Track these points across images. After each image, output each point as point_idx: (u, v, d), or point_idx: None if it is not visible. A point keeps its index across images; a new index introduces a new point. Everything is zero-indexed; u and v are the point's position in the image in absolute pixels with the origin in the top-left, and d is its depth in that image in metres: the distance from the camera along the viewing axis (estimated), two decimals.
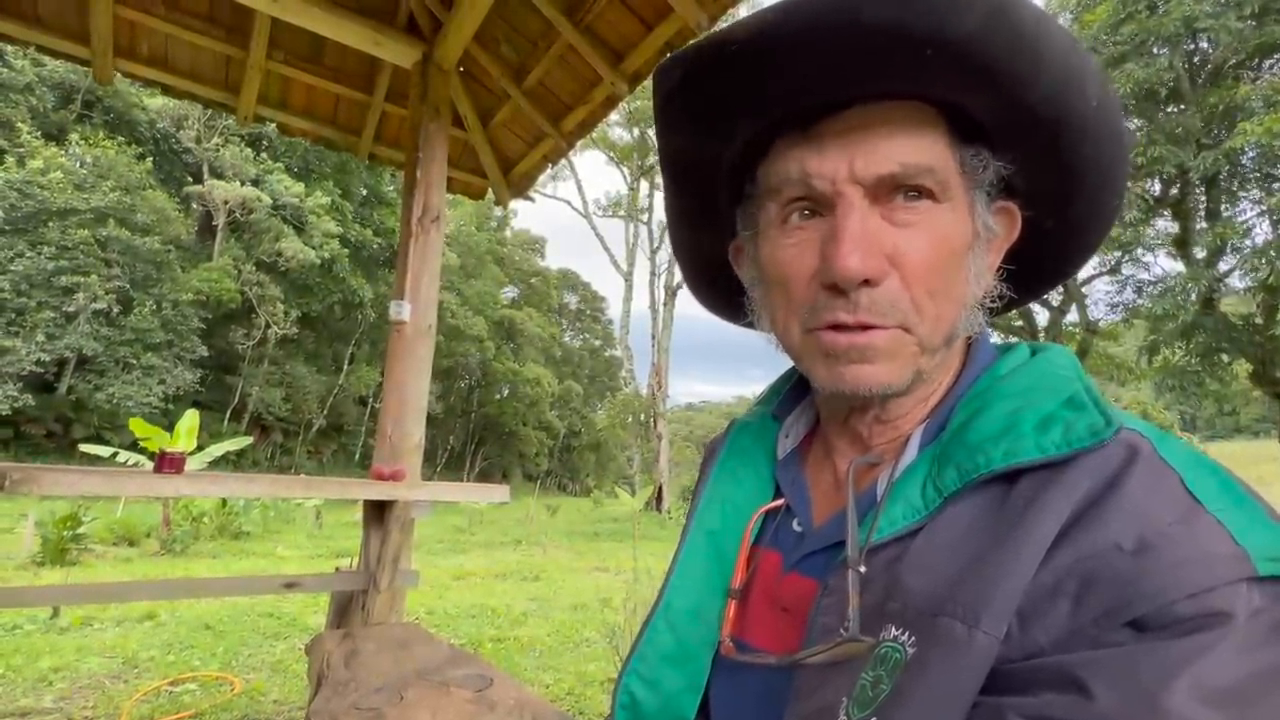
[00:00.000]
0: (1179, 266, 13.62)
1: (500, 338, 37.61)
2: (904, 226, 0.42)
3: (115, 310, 19.55)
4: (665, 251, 28.06)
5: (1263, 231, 12.58)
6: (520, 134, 3.45)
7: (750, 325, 0.57)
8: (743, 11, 3.36)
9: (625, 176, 29.10)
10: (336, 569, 2.49)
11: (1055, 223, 0.49)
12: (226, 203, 23.79)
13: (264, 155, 26.13)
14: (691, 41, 0.45)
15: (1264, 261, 11.43)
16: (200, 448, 9.05)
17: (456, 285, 33.62)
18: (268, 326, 24.88)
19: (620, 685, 0.53)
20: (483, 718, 1.34)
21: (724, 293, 0.60)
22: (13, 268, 17.89)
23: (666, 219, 0.60)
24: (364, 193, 29.54)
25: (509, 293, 44.50)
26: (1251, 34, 11.39)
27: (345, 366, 29.38)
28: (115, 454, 8.43)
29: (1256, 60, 12.48)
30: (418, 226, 2.78)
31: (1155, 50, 12.32)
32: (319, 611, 5.21)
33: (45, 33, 2.78)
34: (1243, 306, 13.33)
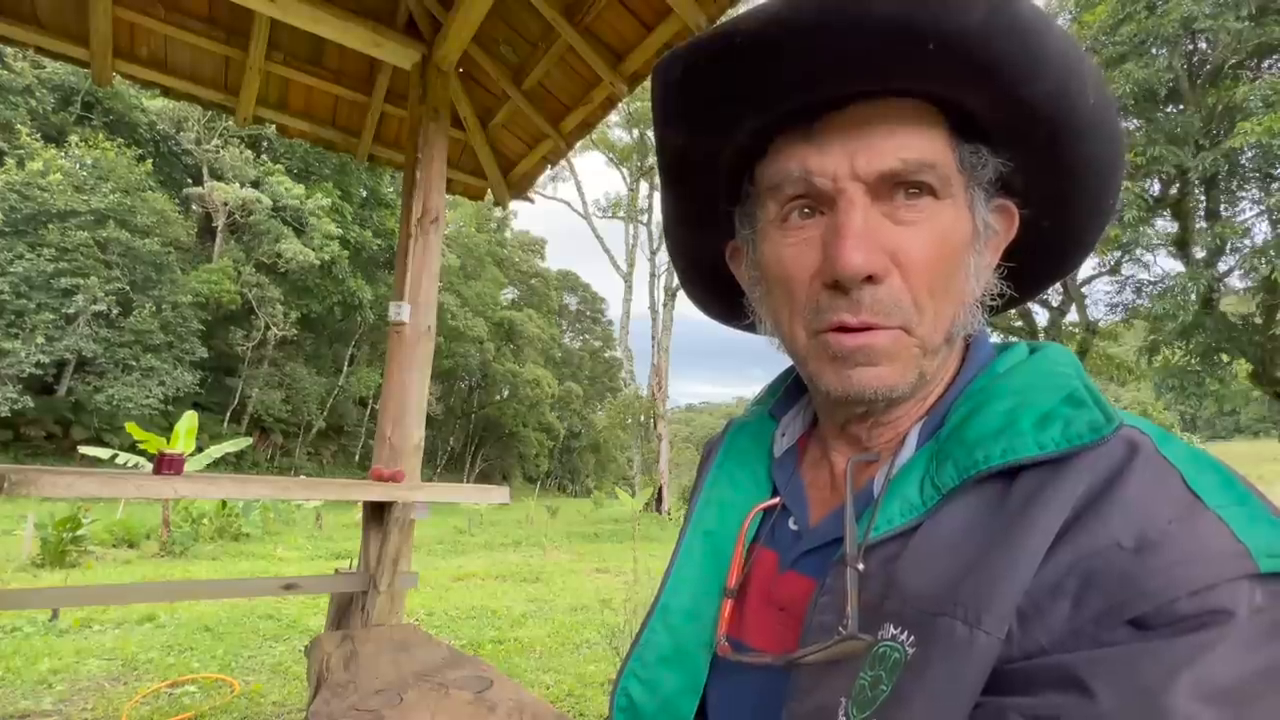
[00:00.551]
0: (1179, 266, 13.63)
1: (500, 339, 37.61)
2: (905, 224, 0.42)
3: (115, 312, 19.55)
4: (665, 253, 27.98)
5: (1262, 231, 12.62)
6: (520, 135, 3.45)
7: (748, 328, 0.57)
8: (743, 11, 3.37)
9: (625, 177, 29.13)
10: (336, 570, 2.49)
11: (1053, 221, 0.49)
12: (226, 204, 23.80)
13: (264, 157, 26.15)
14: (692, 36, 0.45)
15: (1263, 261, 11.44)
16: (200, 449, 9.05)
17: (456, 286, 33.62)
18: (267, 328, 24.87)
19: (618, 687, 0.53)
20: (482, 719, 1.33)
21: (720, 294, 0.60)
22: (12, 270, 17.89)
23: (663, 219, 0.60)
24: (363, 194, 29.55)
25: (509, 294, 44.50)
26: (1250, 34, 11.42)
27: (345, 368, 29.38)
28: (115, 456, 8.42)
29: (1255, 60, 12.51)
30: (417, 228, 2.78)
31: (1154, 50, 12.34)
32: (319, 613, 5.21)
33: (44, 34, 2.78)
34: (1242, 306, 13.34)
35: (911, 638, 0.36)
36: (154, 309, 20.77)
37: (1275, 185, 12.12)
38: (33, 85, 20.62)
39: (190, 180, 24.97)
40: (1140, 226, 12.77)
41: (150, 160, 22.85)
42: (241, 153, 24.89)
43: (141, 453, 8.04)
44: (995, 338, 0.53)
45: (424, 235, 2.78)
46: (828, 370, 0.44)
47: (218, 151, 24.84)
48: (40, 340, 18.04)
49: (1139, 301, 14.19)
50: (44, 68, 20.71)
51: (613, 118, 25.61)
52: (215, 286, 22.52)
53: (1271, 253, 11.33)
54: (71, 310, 18.67)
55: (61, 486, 1.61)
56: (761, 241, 0.48)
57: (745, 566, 0.52)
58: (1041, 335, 16.11)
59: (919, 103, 0.42)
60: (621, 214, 30.43)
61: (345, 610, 2.41)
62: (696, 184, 0.53)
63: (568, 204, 31.65)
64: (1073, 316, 16.46)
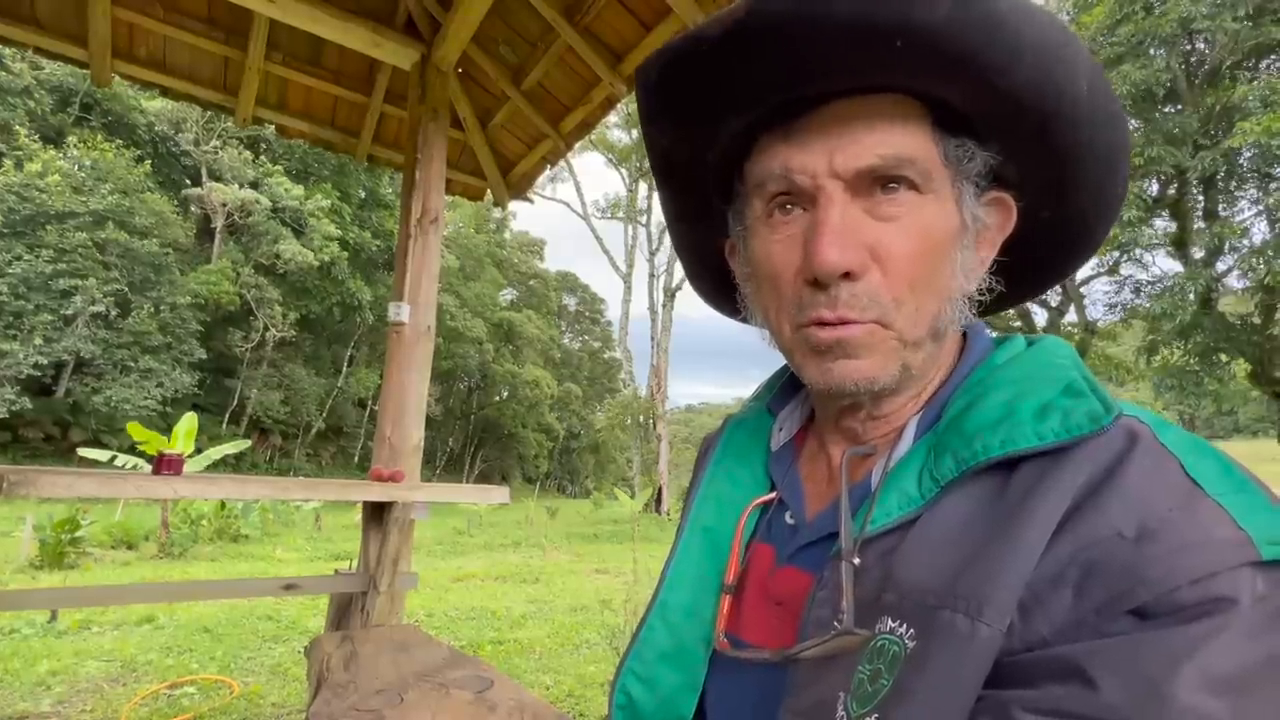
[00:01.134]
0: (1177, 266, 13.65)
1: (499, 340, 37.59)
2: (885, 220, 0.42)
3: (113, 313, 19.52)
4: (664, 253, 28.09)
5: (1260, 231, 12.64)
6: (519, 135, 3.44)
7: (749, 321, 0.57)
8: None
9: (624, 178, 29.13)
10: (336, 571, 2.48)
11: (1056, 213, 0.48)
12: (225, 205, 23.77)
13: (263, 158, 26.13)
14: (666, 41, 0.46)
15: (1262, 261, 11.46)
16: (199, 450, 9.04)
17: (455, 287, 33.60)
18: (266, 329, 24.85)
19: (617, 685, 0.53)
20: None
21: (724, 288, 0.60)
22: (11, 271, 17.87)
23: (664, 216, 0.60)
24: (362, 195, 29.52)
25: (508, 295, 44.48)
26: (1248, 34, 11.44)
27: (344, 369, 29.35)
28: (113, 457, 8.41)
29: (1253, 60, 12.53)
30: (416, 228, 2.77)
31: (1152, 51, 12.35)
32: (318, 614, 5.20)
33: (43, 35, 2.77)
34: (1241, 306, 13.36)
35: (911, 631, 0.35)
36: (152, 310, 20.74)
37: (1273, 185, 12.13)
38: (31, 86, 20.58)
39: (189, 181, 24.94)
40: (1139, 226, 12.79)
41: (149, 161, 22.82)
42: (240, 153, 24.86)
43: (141, 454, 8.03)
44: (991, 334, 0.53)
45: (423, 236, 2.78)
46: (810, 363, 0.45)
47: (216, 152, 24.82)
48: (38, 341, 18.01)
49: (1137, 301, 14.20)
50: (42, 68, 20.68)
51: (612, 118, 25.64)
52: (214, 288, 22.50)
53: (1270, 253, 11.35)
54: (70, 311, 18.64)
55: (61, 487, 1.61)
56: (750, 239, 0.48)
57: (743, 562, 0.52)
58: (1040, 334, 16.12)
59: (900, 97, 0.42)
60: (620, 215, 30.44)
61: (345, 611, 2.41)
62: (687, 182, 0.54)
63: (567, 205, 31.65)
64: (1071, 316, 16.49)
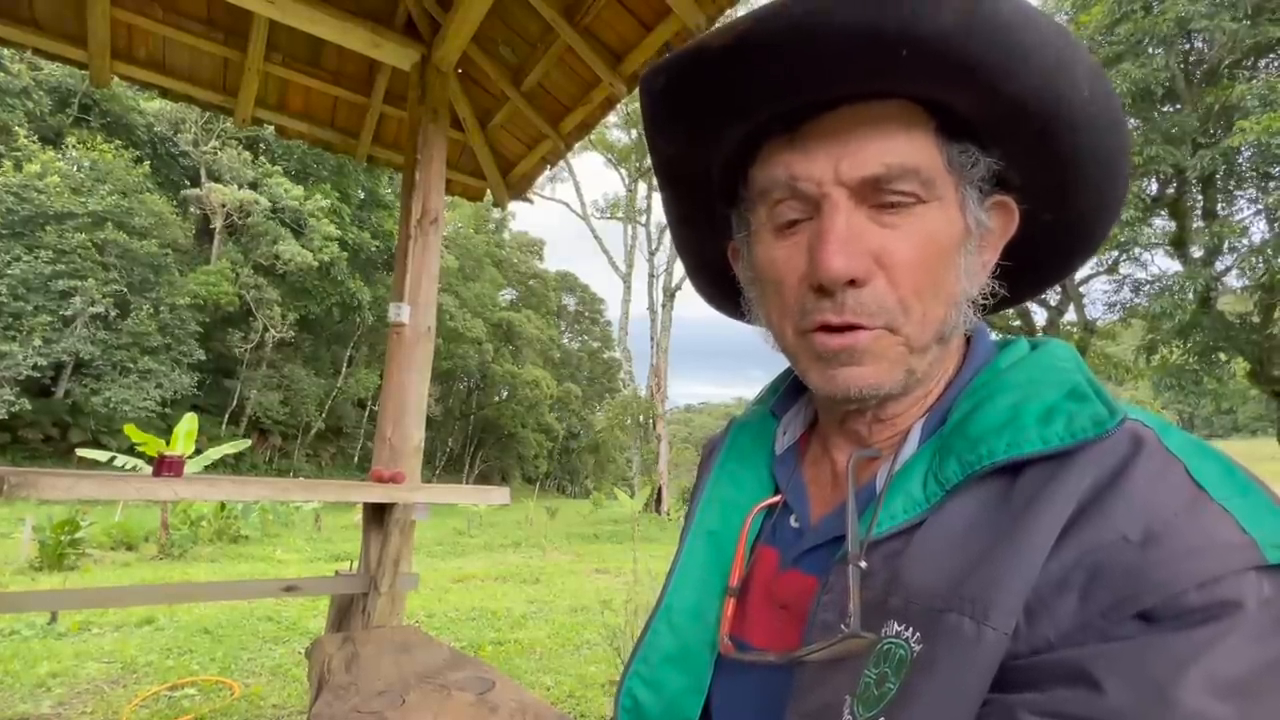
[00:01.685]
0: (1176, 266, 13.65)
1: (499, 340, 37.58)
2: (890, 227, 0.42)
3: (112, 314, 19.51)
4: (664, 253, 28.10)
5: (1259, 230, 12.64)
6: (519, 135, 3.44)
7: (752, 322, 0.57)
8: (740, 12, 3.37)
9: (623, 178, 29.15)
10: (336, 572, 2.48)
11: (1057, 216, 0.49)
12: (224, 206, 23.76)
13: (262, 158, 26.12)
14: (672, 50, 0.46)
15: (1261, 260, 11.47)
16: (199, 451, 9.02)
17: (455, 288, 33.60)
18: (266, 330, 24.84)
19: (622, 688, 0.53)
20: None
21: (728, 291, 0.60)
22: (9, 272, 17.85)
23: (666, 219, 0.60)
24: (362, 195, 29.51)
25: (507, 295, 44.47)
26: (1246, 33, 11.44)
27: (344, 369, 29.34)
28: (113, 458, 8.40)
29: (1252, 59, 12.53)
30: (416, 229, 2.77)
31: (1151, 50, 12.34)
32: (319, 615, 5.20)
33: (42, 36, 2.77)
34: (1240, 305, 13.35)
35: (917, 635, 0.35)
36: (152, 311, 20.73)
37: (1273, 184, 12.14)
38: (30, 87, 20.58)
39: (188, 182, 24.93)
40: (1138, 225, 12.80)
41: (148, 162, 22.82)
42: (239, 154, 24.86)
43: (140, 455, 8.02)
44: (993, 336, 0.53)
45: (423, 236, 2.78)
46: (814, 369, 0.45)
47: (215, 153, 24.81)
48: (38, 342, 18.00)
49: (1137, 301, 14.20)
50: (41, 69, 20.67)
51: (611, 118, 25.64)
52: (213, 288, 22.48)
53: (1269, 251, 11.35)
54: (69, 312, 18.63)
55: (61, 489, 1.60)
56: (755, 244, 0.49)
57: (747, 565, 0.52)
58: (1040, 334, 16.13)
59: (905, 103, 0.43)
60: (620, 214, 30.44)
61: (346, 612, 2.40)
62: (692, 189, 0.54)
63: (566, 205, 31.66)
64: (1071, 315, 16.49)
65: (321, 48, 3.21)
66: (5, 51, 17.08)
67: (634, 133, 27.36)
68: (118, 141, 22.24)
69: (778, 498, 0.53)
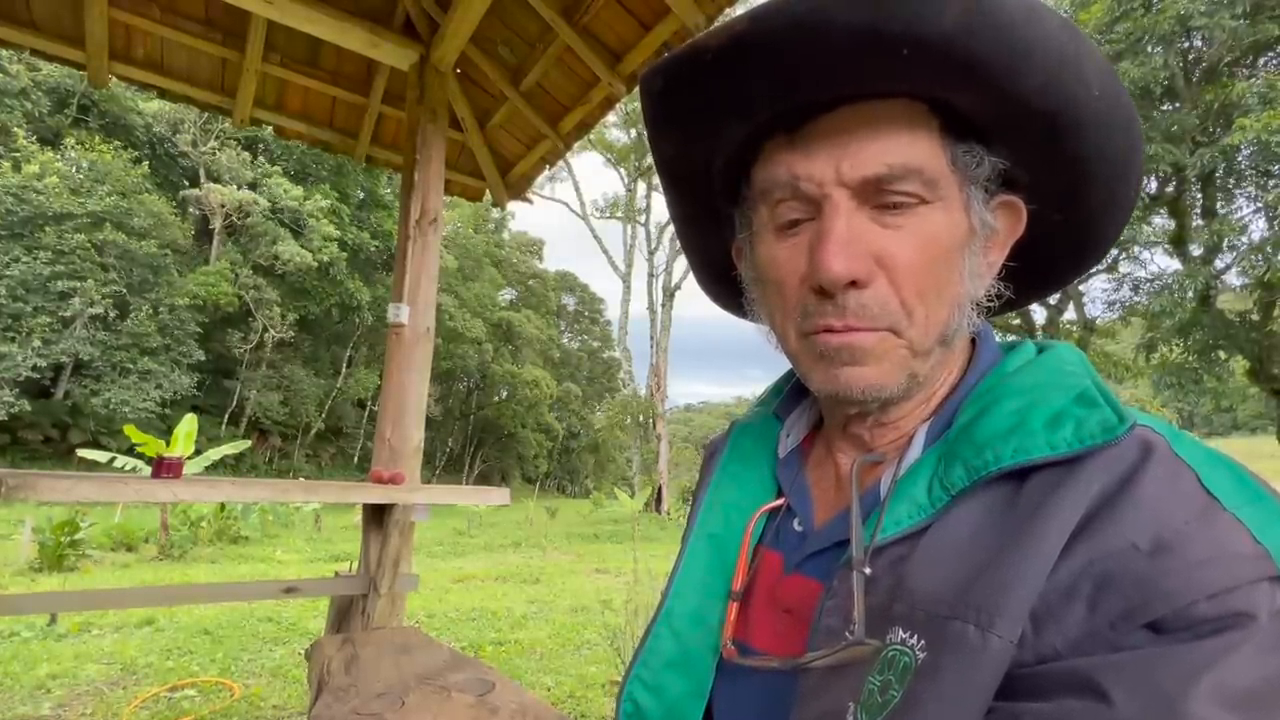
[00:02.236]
0: (1176, 264, 13.66)
1: (499, 340, 37.57)
2: (893, 228, 0.42)
3: (112, 315, 19.50)
4: (663, 253, 28.17)
5: (1259, 228, 12.64)
6: (518, 135, 3.44)
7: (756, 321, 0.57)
8: (740, 11, 3.37)
9: (623, 178, 29.14)
10: (336, 573, 2.48)
11: (1067, 216, 0.48)
12: (223, 206, 23.74)
13: (261, 159, 26.10)
14: (671, 50, 0.46)
15: (1260, 258, 11.47)
16: (198, 452, 9.01)
17: (454, 288, 33.58)
18: (265, 330, 24.83)
19: (624, 692, 0.53)
20: None
21: (732, 289, 0.60)
22: (9, 273, 17.84)
23: (670, 218, 0.60)
24: (361, 195, 29.50)
25: (507, 295, 44.45)
26: (1246, 31, 11.43)
27: (343, 370, 29.34)
28: (113, 459, 8.39)
29: (1251, 58, 12.53)
30: (415, 229, 2.77)
31: (1150, 48, 12.34)
32: (319, 616, 5.19)
33: (40, 36, 2.76)
34: (1239, 303, 13.35)
35: (922, 642, 0.35)
36: (151, 312, 20.72)
37: (1272, 182, 12.14)
38: (28, 88, 20.56)
39: (187, 182, 24.91)
40: (1137, 224, 12.80)
41: (147, 162, 22.80)
42: (238, 154, 24.84)
43: (140, 456, 8.01)
44: (996, 336, 0.53)
45: (422, 236, 2.77)
46: (816, 370, 0.45)
47: (214, 153, 24.79)
48: (37, 343, 17.98)
49: (1136, 299, 14.21)
50: (40, 70, 20.65)
51: (610, 118, 25.65)
52: (212, 289, 22.47)
53: (1269, 250, 11.35)
54: (68, 313, 18.62)
55: (60, 491, 1.60)
56: (757, 244, 0.48)
57: (750, 569, 0.51)
58: (1040, 332, 16.14)
59: (908, 103, 0.42)
60: (619, 214, 30.44)
61: (345, 613, 2.40)
62: (694, 189, 0.54)
63: (566, 204, 31.66)
64: (1070, 314, 16.50)
65: (320, 48, 3.21)
66: (3, 52, 17.08)
67: (633, 132, 27.36)
68: (116, 142, 22.22)
69: (781, 501, 0.53)
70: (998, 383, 0.45)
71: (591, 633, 5.22)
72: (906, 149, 0.41)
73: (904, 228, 0.42)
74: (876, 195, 0.42)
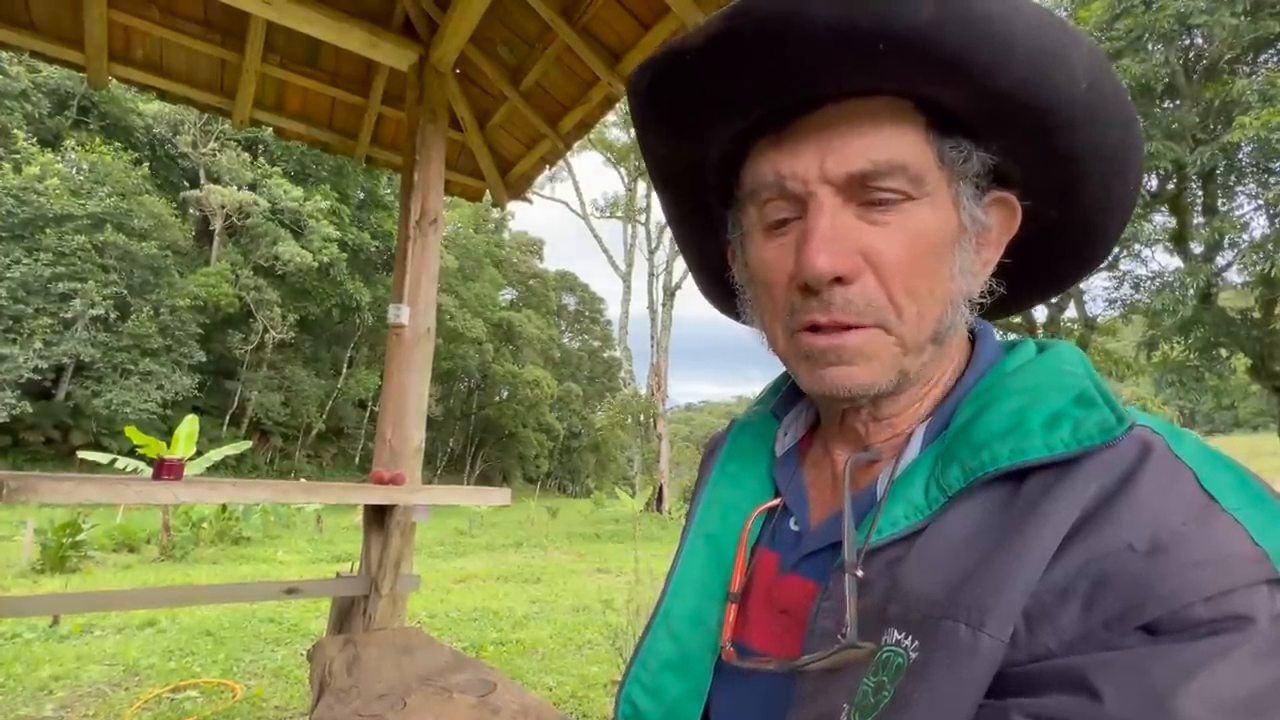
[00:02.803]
0: (1177, 262, 13.64)
1: (499, 340, 37.57)
2: (878, 224, 0.42)
3: (113, 316, 19.52)
4: (663, 252, 28.08)
5: (1260, 226, 12.65)
6: (518, 135, 3.44)
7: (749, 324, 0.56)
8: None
9: (623, 177, 29.12)
10: (337, 574, 2.48)
11: (1064, 213, 0.47)
12: (223, 207, 23.76)
13: (261, 159, 26.11)
14: (655, 50, 0.46)
15: (1261, 256, 11.45)
16: (199, 453, 9.02)
17: (455, 288, 33.58)
18: (266, 331, 24.84)
19: (622, 694, 0.53)
20: None
21: (727, 289, 0.60)
22: (9, 275, 17.86)
23: (666, 219, 0.60)
24: (361, 196, 29.51)
25: (507, 295, 44.45)
26: (1246, 29, 11.41)
27: (344, 370, 29.35)
28: (114, 460, 8.40)
29: (1252, 55, 12.50)
30: (415, 229, 2.77)
31: (1150, 46, 12.33)
32: (320, 616, 5.20)
33: (39, 38, 2.77)
34: (1240, 301, 13.34)
35: (915, 642, 0.35)
36: (152, 313, 20.74)
37: (1273, 180, 12.12)
38: (28, 89, 20.57)
39: (187, 183, 24.92)
40: (1138, 222, 12.78)
41: (147, 164, 22.81)
42: (238, 155, 24.85)
43: (141, 457, 8.02)
44: (996, 334, 0.52)
45: (422, 237, 2.78)
46: (804, 369, 0.45)
47: (214, 155, 24.80)
48: (38, 345, 18.01)
49: (1137, 297, 14.19)
50: (39, 72, 20.66)
51: (610, 117, 25.60)
52: (213, 290, 22.49)
53: (1270, 247, 11.34)
54: (69, 315, 18.64)
55: (62, 493, 1.60)
56: (747, 245, 0.48)
57: (748, 569, 0.51)
58: (1041, 331, 16.13)
59: (893, 99, 0.42)
60: (619, 214, 30.42)
61: (347, 614, 2.40)
62: (686, 190, 0.54)
63: (565, 204, 31.64)
64: (1071, 312, 16.48)
65: (319, 49, 3.21)
66: (3, 54, 17.10)
67: (633, 131, 27.26)
68: (116, 143, 22.24)
69: (778, 500, 0.53)
70: (996, 382, 0.44)
71: (593, 632, 5.22)
72: (891, 145, 0.41)
73: (891, 224, 0.41)
74: (862, 192, 0.42)
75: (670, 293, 27.24)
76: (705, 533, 0.55)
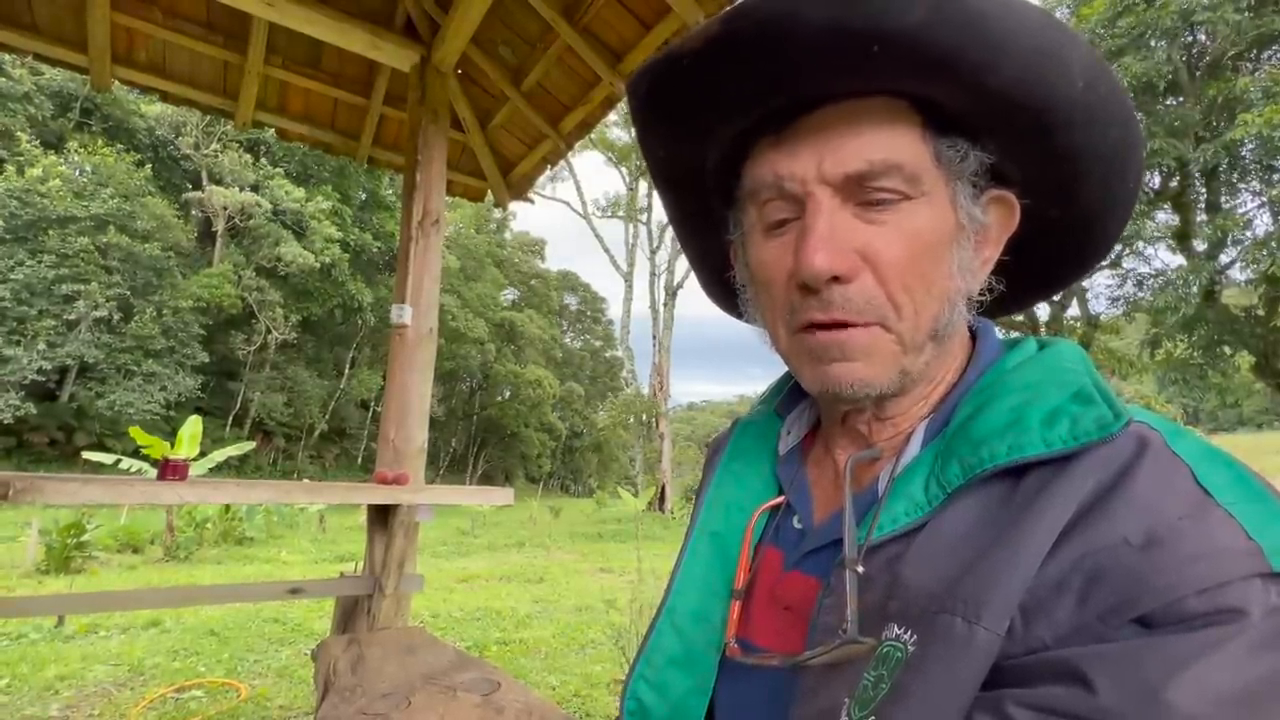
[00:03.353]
0: (1180, 260, 13.60)
1: (501, 340, 37.61)
2: (876, 223, 0.42)
3: (116, 317, 19.59)
4: (665, 252, 28.08)
5: (1263, 223, 12.60)
6: (519, 136, 3.44)
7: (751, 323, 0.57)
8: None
9: (624, 177, 29.10)
10: (341, 574, 2.49)
11: (1064, 212, 0.48)
12: (226, 208, 23.81)
13: (263, 161, 26.17)
14: (653, 54, 0.46)
15: (1265, 253, 11.40)
16: (203, 454, 9.04)
17: (457, 288, 33.62)
18: (268, 332, 24.90)
19: (627, 691, 0.53)
20: None
21: (730, 291, 0.60)
22: (13, 276, 17.93)
23: (669, 222, 0.61)
24: (363, 197, 29.55)
25: (509, 295, 44.50)
26: (1249, 25, 11.37)
27: (346, 371, 29.41)
28: (118, 461, 8.43)
29: (1254, 52, 12.46)
30: (417, 230, 2.77)
31: (1153, 43, 12.29)
32: (324, 616, 5.21)
33: (42, 40, 2.78)
34: (1244, 299, 13.30)
35: (914, 636, 0.35)
36: (155, 314, 20.80)
37: (1276, 177, 12.09)
38: (31, 92, 20.65)
39: (190, 185, 24.99)
40: (1141, 220, 12.75)
41: (149, 165, 22.89)
42: (240, 157, 24.91)
43: (144, 458, 8.05)
44: (998, 332, 0.53)
45: (424, 237, 2.78)
46: (806, 367, 0.45)
47: (217, 156, 24.86)
48: (42, 347, 18.08)
49: (1140, 295, 14.15)
50: (43, 74, 20.74)
51: (611, 117, 25.59)
52: (215, 291, 22.54)
53: (1273, 244, 11.30)
54: (73, 316, 18.71)
55: (66, 494, 1.61)
56: (748, 245, 0.49)
57: (752, 567, 0.52)
58: (1043, 329, 16.09)
59: (889, 99, 0.42)
60: (621, 213, 30.41)
61: (351, 613, 2.41)
62: (688, 191, 0.54)
63: (567, 204, 31.62)
64: (1074, 310, 16.44)
65: (321, 50, 3.21)
66: (6, 57, 17.14)
67: (634, 131, 27.29)
68: (119, 145, 22.31)
69: (781, 498, 0.53)
70: (996, 380, 0.45)
71: (596, 632, 5.22)
72: (887, 145, 0.41)
73: (888, 223, 0.42)
74: (859, 192, 0.42)
75: (672, 292, 27.23)
76: (709, 531, 0.55)
